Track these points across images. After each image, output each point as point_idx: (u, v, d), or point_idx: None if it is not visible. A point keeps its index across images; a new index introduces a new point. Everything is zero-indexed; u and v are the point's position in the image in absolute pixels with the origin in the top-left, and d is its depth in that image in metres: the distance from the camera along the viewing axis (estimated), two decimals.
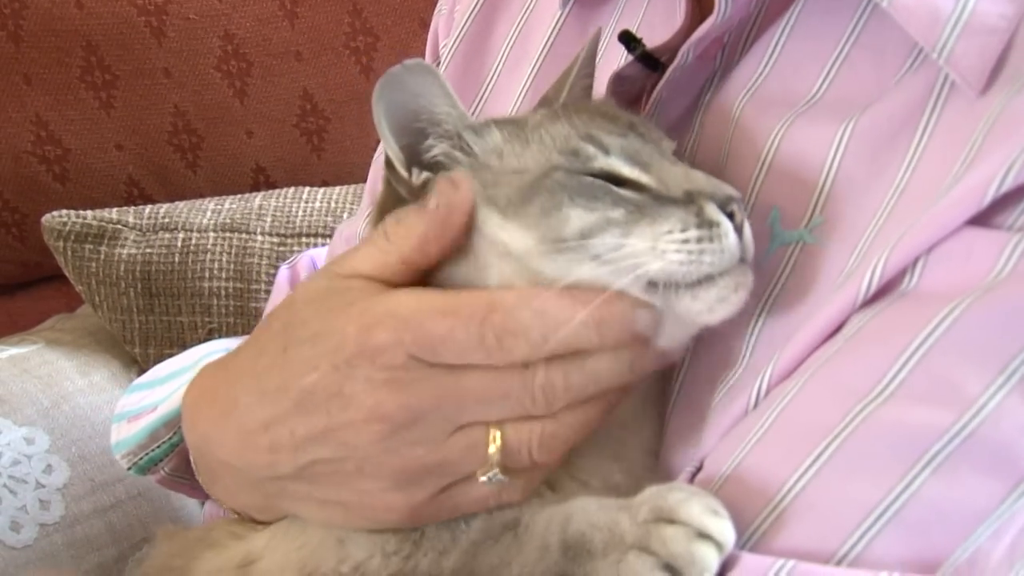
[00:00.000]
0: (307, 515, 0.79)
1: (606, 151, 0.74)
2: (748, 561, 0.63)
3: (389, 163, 0.77)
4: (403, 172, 0.76)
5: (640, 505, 0.66)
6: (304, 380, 0.72)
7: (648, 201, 0.71)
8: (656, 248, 0.69)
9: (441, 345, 0.68)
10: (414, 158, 0.76)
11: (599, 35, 0.87)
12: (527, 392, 0.69)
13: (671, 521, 0.64)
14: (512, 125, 0.78)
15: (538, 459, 0.71)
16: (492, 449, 0.70)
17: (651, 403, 0.81)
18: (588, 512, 0.69)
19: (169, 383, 0.96)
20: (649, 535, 0.64)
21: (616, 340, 0.70)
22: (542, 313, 0.68)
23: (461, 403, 0.70)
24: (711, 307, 0.70)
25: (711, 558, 0.62)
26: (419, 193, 0.76)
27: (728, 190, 0.71)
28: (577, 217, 0.70)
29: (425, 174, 0.76)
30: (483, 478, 0.71)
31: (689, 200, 0.71)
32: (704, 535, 0.63)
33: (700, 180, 0.73)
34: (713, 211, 0.70)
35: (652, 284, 0.70)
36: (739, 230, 0.70)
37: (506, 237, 0.72)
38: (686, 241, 0.69)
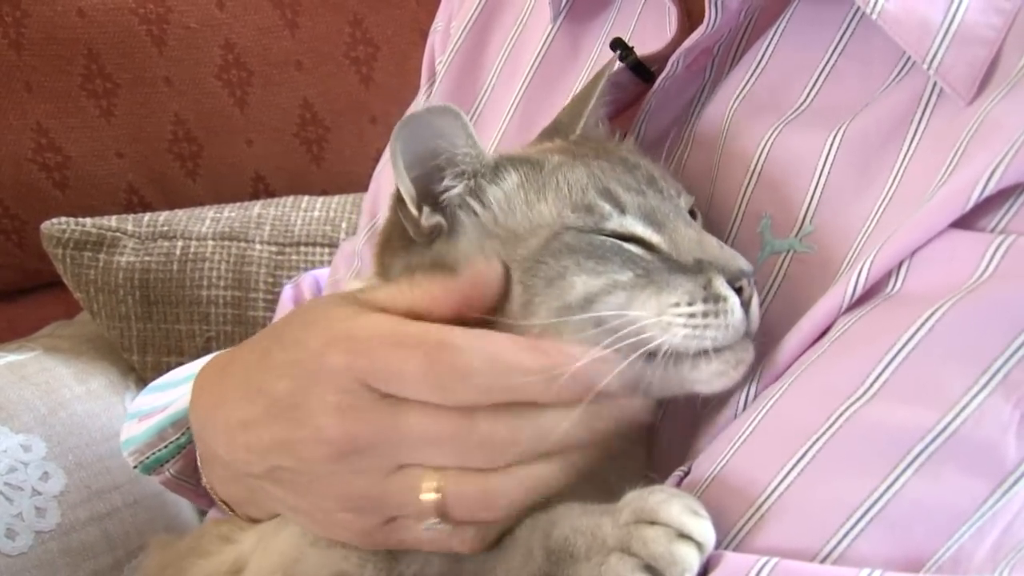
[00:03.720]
0: (284, 514, 0.79)
1: (622, 210, 0.73)
2: (731, 560, 0.63)
3: (400, 198, 0.76)
4: (413, 210, 0.75)
5: (622, 508, 0.66)
6: (274, 386, 0.72)
7: (658, 265, 0.71)
8: (661, 321, 0.69)
9: (390, 375, 0.67)
10: (426, 196, 0.76)
11: (613, 64, 0.87)
12: (465, 442, 0.67)
13: (652, 522, 0.64)
14: (529, 167, 0.77)
15: (478, 516, 0.69)
16: (427, 496, 0.68)
17: (640, 432, 0.81)
18: (571, 517, 0.68)
19: (183, 386, 0.96)
20: (630, 536, 0.64)
21: (570, 395, 0.67)
22: (492, 358, 0.66)
23: (401, 441, 0.68)
24: (709, 380, 0.71)
25: (692, 558, 0.62)
26: (425, 235, 0.76)
27: (740, 263, 0.71)
28: (582, 283, 0.70)
29: (436, 218, 0.76)
30: (422, 525, 0.69)
31: (699, 270, 0.71)
32: (684, 535, 0.63)
33: (713, 249, 0.72)
34: (721, 285, 0.70)
35: (652, 353, 0.69)
36: (746, 305, 0.70)
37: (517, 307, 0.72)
38: (692, 316, 0.69)
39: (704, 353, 0.69)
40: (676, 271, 0.71)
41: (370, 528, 0.72)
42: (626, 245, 0.72)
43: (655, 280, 0.70)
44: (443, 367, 0.66)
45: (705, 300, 0.69)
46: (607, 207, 0.73)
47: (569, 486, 0.70)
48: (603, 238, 0.72)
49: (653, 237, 0.73)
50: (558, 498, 0.72)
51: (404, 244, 0.78)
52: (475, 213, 0.76)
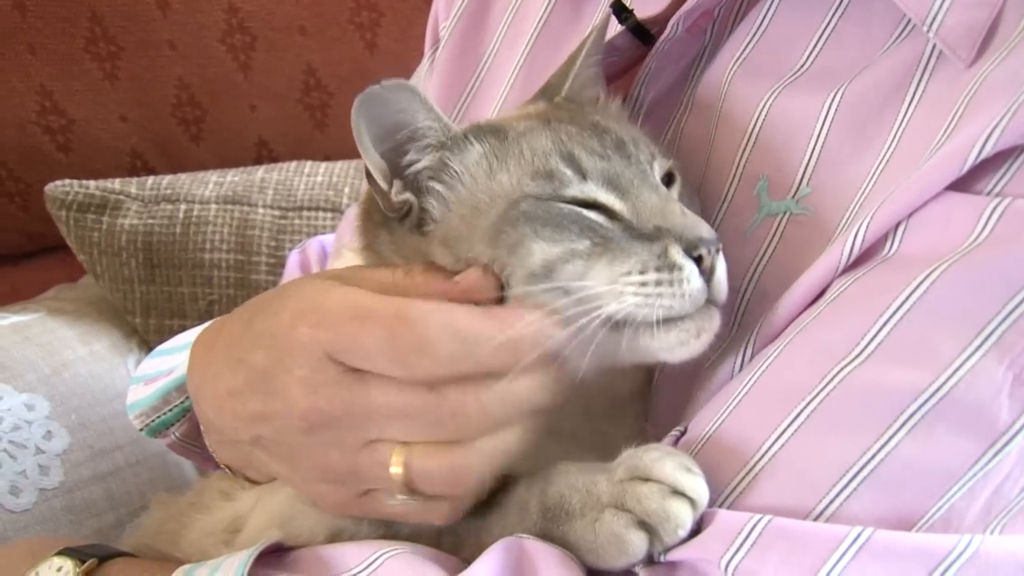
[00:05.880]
0: (277, 477, 0.80)
1: (583, 176, 0.73)
2: (724, 518, 0.64)
3: (369, 175, 0.76)
4: (383, 185, 0.76)
5: (617, 466, 0.67)
6: (251, 357, 0.72)
7: (617, 233, 0.71)
8: (614, 289, 0.69)
9: (352, 348, 0.67)
10: (395, 170, 0.76)
11: (606, 22, 0.87)
12: (432, 415, 0.66)
13: (646, 479, 0.65)
14: (494, 136, 0.77)
15: (443, 491, 0.69)
16: (394, 471, 0.67)
17: (635, 398, 0.82)
18: (567, 475, 0.69)
19: (187, 351, 0.97)
20: (624, 493, 0.65)
21: (532, 361, 0.66)
22: (452, 329, 0.65)
23: (368, 416, 0.68)
24: (671, 348, 0.70)
25: (685, 514, 0.63)
26: (396, 209, 0.76)
27: (700, 231, 0.70)
28: (540, 250, 0.70)
29: (406, 195, 0.76)
30: (391, 501, 0.69)
31: (656, 237, 0.70)
32: (678, 492, 0.64)
33: (674, 217, 0.71)
34: (677, 254, 0.69)
35: (615, 322, 0.69)
36: (707, 273, 0.70)
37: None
38: (644, 284, 0.69)
39: (666, 322, 0.69)
40: (634, 239, 0.70)
41: (346, 500, 0.73)
42: (586, 212, 0.71)
43: (611, 249, 0.70)
44: (403, 340, 0.65)
45: (659, 269, 0.69)
46: (568, 173, 0.73)
47: (557, 439, 0.71)
48: (562, 205, 0.72)
49: (615, 203, 0.72)
50: (556, 456, 0.73)
51: (384, 218, 0.78)
52: (441, 188, 0.76)
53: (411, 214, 0.77)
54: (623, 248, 0.70)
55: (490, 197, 0.74)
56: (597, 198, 0.72)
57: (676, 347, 0.70)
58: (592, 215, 0.71)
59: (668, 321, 0.69)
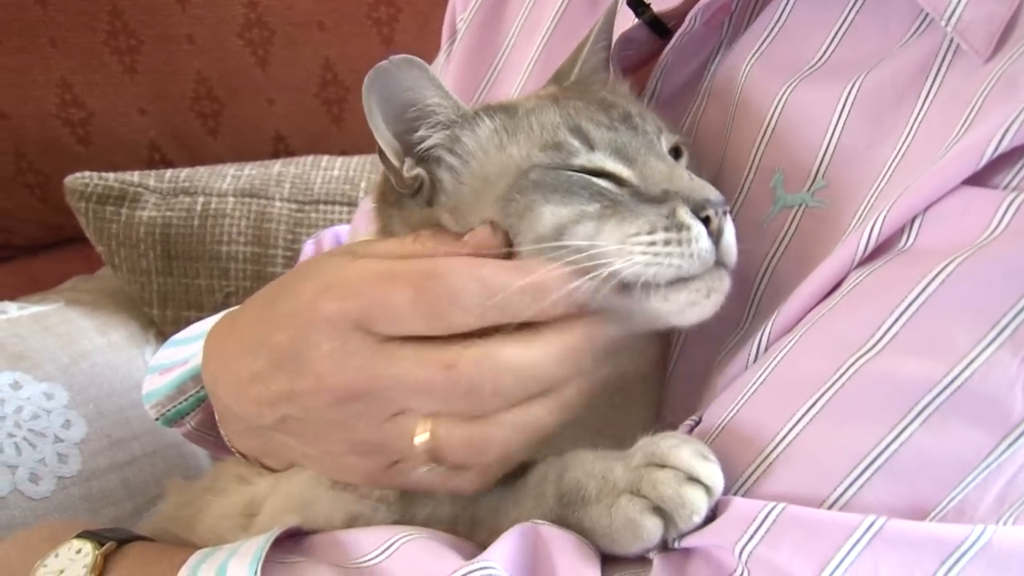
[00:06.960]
0: (298, 462, 0.81)
1: (591, 146, 0.75)
2: (739, 505, 0.64)
3: (382, 152, 0.78)
4: (395, 162, 0.77)
5: (634, 453, 0.68)
6: (274, 338, 0.74)
7: (625, 197, 0.72)
8: (623, 249, 0.70)
9: (381, 312, 0.69)
10: (407, 147, 0.78)
11: (615, 7, 0.87)
12: (452, 390, 0.69)
13: (662, 466, 0.66)
14: (504, 113, 0.79)
15: (466, 460, 0.71)
16: (419, 441, 0.70)
17: (648, 384, 0.83)
18: (584, 462, 0.70)
19: (202, 340, 0.98)
20: (640, 479, 0.66)
21: (553, 309, 0.69)
22: (479, 278, 0.68)
23: (394, 388, 0.70)
24: (681, 309, 0.72)
25: (700, 501, 0.64)
26: (408, 185, 0.78)
27: (707, 193, 0.72)
28: (551, 213, 0.72)
29: (417, 170, 0.78)
30: (422, 469, 0.71)
31: (664, 200, 0.72)
32: (693, 478, 0.64)
33: (680, 180, 0.73)
34: (684, 214, 0.71)
35: (625, 284, 0.70)
36: (715, 235, 0.71)
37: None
38: (652, 243, 0.70)
39: (675, 283, 0.70)
40: (642, 202, 0.72)
41: (374, 471, 0.74)
42: (595, 179, 0.73)
43: (619, 211, 0.71)
44: (433, 293, 0.68)
45: (667, 229, 0.70)
46: (576, 143, 0.75)
47: (567, 425, 0.72)
48: (571, 173, 0.73)
49: (623, 171, 0.74)
50: (568, 444, 0.73)
51: (397, 197, 0.80)
52: (454, 161, 0.77)
53: (423, 190, 0.78)
54: (631, 210, 0.71)
55: (500, 169, 0.76)
56: (605, 166, 0.74)
57: (686, 308, 0.71)
58: (601, 181, 0.73)
59: (677, 282, 0.70)
